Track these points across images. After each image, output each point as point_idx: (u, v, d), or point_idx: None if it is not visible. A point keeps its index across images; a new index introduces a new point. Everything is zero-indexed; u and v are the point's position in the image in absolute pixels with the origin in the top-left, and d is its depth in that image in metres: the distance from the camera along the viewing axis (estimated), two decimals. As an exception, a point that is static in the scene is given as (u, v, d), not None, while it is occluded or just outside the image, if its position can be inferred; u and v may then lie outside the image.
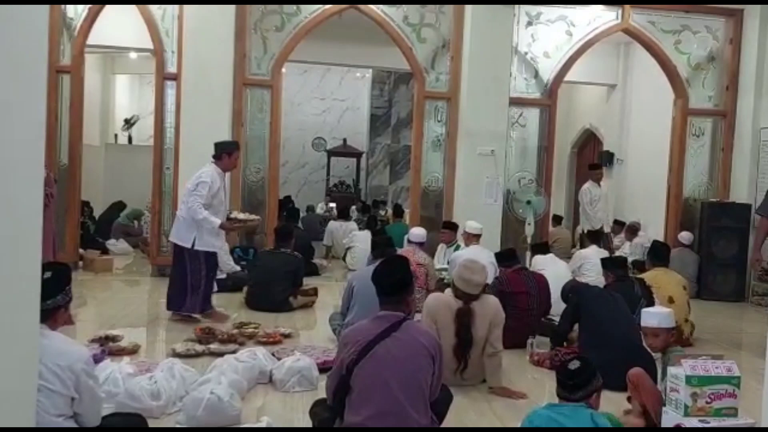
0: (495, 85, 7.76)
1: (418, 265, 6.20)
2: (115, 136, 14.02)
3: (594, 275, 7.23)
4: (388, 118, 18.17)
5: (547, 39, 8.19)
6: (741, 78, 7.97)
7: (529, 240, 7.49)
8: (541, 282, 5.04)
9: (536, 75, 8.26)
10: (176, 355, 4.33)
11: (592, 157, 12.29)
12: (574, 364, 2.78)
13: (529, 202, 7.33)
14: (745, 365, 3.49)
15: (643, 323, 3.44)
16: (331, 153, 17.40)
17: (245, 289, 6.26)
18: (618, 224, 10.44)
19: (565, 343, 4.49)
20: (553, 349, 4.46)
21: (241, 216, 5.87)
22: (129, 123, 13.81)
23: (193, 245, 5.30)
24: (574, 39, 8.15)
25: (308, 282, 6.83)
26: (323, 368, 4.08)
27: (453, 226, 7.27)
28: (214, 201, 5.30)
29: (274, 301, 5.95)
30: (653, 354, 3.46)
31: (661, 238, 8.55)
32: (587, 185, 8.40)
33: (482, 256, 6.20)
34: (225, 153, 5.50)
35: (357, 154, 17.49)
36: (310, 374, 3.84)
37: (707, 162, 8.25)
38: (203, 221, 5.22)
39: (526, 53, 8.20)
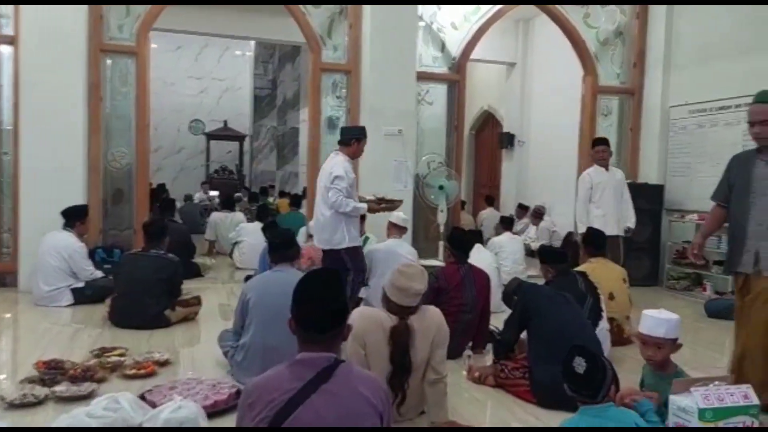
0: (400, 58, 6.95)
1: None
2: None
3: (510, 264, 6.71)
4: (273, 98, 17.05)
5: (454, 8, 7.50)
6: (648, 54, 7.69)
7: (441, 228, 6.79)
8: (479, 279, 4.30)
9: (443, 48, 7.55)
10: (9, 405, 3.17)
11: (492, 140, 11.90)
12: (580, 366, 2.27)
13: (441, 188, 6.62)
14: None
15: (645, 331, 2.79)
16: (211, 136, 16.07)
17: (108, 301, 5.04)
18: (522, 208, 10.08)
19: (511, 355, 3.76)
20: (496, 362, 3.72)
21: (387, 196, 5.58)
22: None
23: (341, 244, 4.85)
24: (483, 9, 7.50)
25: (188, 287, 5.73)
26: (213, 412, 3.11)
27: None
28: (352, 192, 4.93)
29: (146, 316, 4.80)
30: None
31: (571, 222, 8.18)
32: (589, 170, 6.31)
33: (402, 251, 5.43)
34: (354, 139, 5.03)
35: (240, 138, 16.29)
36: (195, 425, 2.84)
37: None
38: (352, 211, 4.86)
39: (431, 23, 7.46)
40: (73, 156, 6.24)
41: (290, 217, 8.87)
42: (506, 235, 7.07)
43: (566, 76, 8.96)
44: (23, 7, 6.08)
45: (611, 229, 6.05)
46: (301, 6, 6.99)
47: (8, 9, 6.22)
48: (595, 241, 4.90)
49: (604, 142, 6.38)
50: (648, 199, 7.21)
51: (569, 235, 8.16)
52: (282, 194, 13.26)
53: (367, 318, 2.88)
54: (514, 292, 3.73)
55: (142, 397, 3.16)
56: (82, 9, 6.27)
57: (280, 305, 3.49)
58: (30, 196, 6.09)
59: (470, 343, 4.25)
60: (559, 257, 4.19)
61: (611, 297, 4.42)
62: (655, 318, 2.82)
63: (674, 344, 2.77)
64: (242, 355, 3.59)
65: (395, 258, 5.40)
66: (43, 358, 3.89)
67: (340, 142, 5.08)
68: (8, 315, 5.58)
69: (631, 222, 6.22)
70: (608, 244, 5.91)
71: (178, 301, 5.07)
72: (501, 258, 6.48)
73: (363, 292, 5.61)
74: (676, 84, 7.35)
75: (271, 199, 12.74)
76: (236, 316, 3.74)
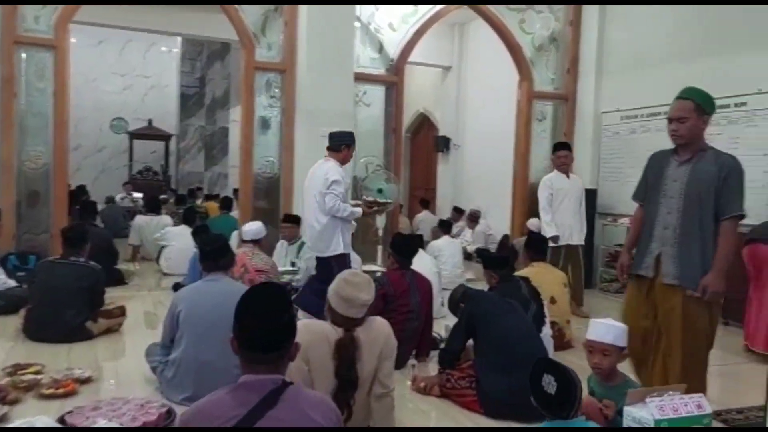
0: (337, 58, 6.78)
1: (258, 272, 5.12)
2: None
3: (449, 268, 6.67)
4: (201, 97, 16.52)
5: (392, 9, 7.40)
6: (581, 61, 7.82)
7: (380, 232, 6.66)
8: (423, 285, 4.18)
9: (381, 49, 7.44)
10: None
11: (427, 143, 11.90)
12: (551, 386, 2.16)
13: (380, 191, 6.47)
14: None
15: (592, 337, 2.74)
16: (134, 135, 15.40)
17: (23, 312, 4.64)
18: (457, 211, 10.10)
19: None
20: (442, 371, 3.61)
21: (379, 199, 5.69)
22: None
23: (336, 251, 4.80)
24: (421, 11, 7.45)
25: (112, 295, 5.37)
26: (141, 435, 2.86)
27: (296, 220, 6.21)
28: (346, 198, 4.96)
29: (65, 329, 4.43)
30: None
31: (507, 225, 8.24)
32: (550, 175, 6.20)
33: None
34: (345, 145, 4.98)
35: (165, 137, 15.69)
36: (122, 452, 2.59)
37: (549, 146, 8.02)
38: (349, 216, 4.87)
39: (369, 24, 7.33)
40: (-18, 155, 5.76)
41: (221, 220, 8.54)
42: (445, 239, 7.03)
43: (501, 80, 9.04)
44: None
45: (570, 237, 5.96)
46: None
47: None
48: (537, 245, 4.89)
49: (565, 146, 6.18)
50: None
51: (505, 238, 8.21)
52: (209, 197, 12.83)
53: (311, 331, 2.71)
54: (461, 299, 3.63)
55: (62, 420, 2.88)
56: (-6, -3, 5.80)
57: (214, 317, 3.30)
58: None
59: (414, 351, 4.13)
60: (502, 262, 4.14)
61: (553, 301, 4.41)
62: (604, 324, 2.78)
63: (620, 352, 2.74)
64: (173, 371, 3.34)
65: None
66: (-55, 378, 3.51)
67: (329, 148, 5.00)
68: None
69: (583, 230, 6.17)
70: (568, 254, 5.97)
71: (100, 312, 4.72)
72: (440, 262, 6.42)
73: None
74: (609, 90, 7.51)
75: (198, 202, 12.30)
76: (165, 329, 3.48)
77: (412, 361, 3.83)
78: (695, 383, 2.95)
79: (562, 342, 4.48)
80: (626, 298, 3.42)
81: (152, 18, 9.15)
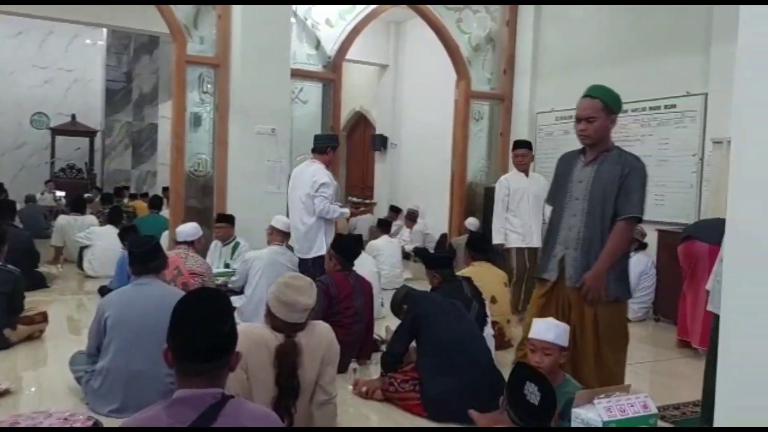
0: (274, 53, 6.59)
1: (191, 274, 4.91)
2: None
3: (388, 268, 6.62)
4: (128, 92, 15.89)
5: (329, 5, 7.29)
6: (517, 61, 7.92)
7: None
8: (365, 287, 4.09)
9: (318, 45, 7.31)
10: None
11: (364, 141, 11.83)
12: (534, 395, 2.18)
13: (317, 190, 6.35)
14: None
15: (534, 335, 2.72)
16: (57, 131, 14.64)
17: (-70, 320, 4.27)
18: (394, 210, 10.06)
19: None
20: (384, 375, 3.53)
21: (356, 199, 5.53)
22: None
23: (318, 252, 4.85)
24: (358, 7, 7.36)
25: (33, 300, 5.05)
26: (66, 449, 2.65)
27: (230, 219, 6.00)
28: (334, 199, 5.00)
29: (-21, 338, 4.12)
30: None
31: (445, 224, 8.27)
32: (507, 175, 5.92)
33: (284, 260, 5.11)
34: (330, 147, 5.05)
35: (90, 133, 15.02)
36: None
37: (486, 146, 8.11)
38: (339, 217, 5.00)
39: (306, 19, 7.19)
40: None
41: (150, 220, 8.20)
42: (384, 239, 6.98)
43: (438, 80, 9.08)
44: None
45: (531, 240, 5.61)
46: (164, -9, 6.44)
47: None
48: (478, 244, 4.89)
49: (525, 145, 5.84)
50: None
51: (443, 237, 8.23)
52: (135, 196, 12.34)
53: (250, 337, 2.57)
54: (403, 300, 3.56)
55: (-26, 440, 2.63)
56: None
57: (144, 324, 3.11)
58: None
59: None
60: (445, 263, 4.10)
61: (493, 300, 4.41)
62: (545, 323, 2.78)
63: (562, 352, 2.73)
64: (100, 381, 3.13)
65: (276, 268, 5.09)
66: None
67: (314, 150, 5.06)
68: None
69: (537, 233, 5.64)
70: (531, 258, 5.51)
71: (20, 318, 4.40)
72: (379, 262, 6.35)
73: (237, 302, 5.24)
74: (544, 91, 7.63)
75: (126, 201, 11.80)
76: (91, 336, 3.26)
77: (353, 365, 3.74)
78: (617, 383, 2.94)
79: (502, 341, 4.49)
80: (531, 302, 3.33)
81: (75, 8, 8.69)
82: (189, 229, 5.22)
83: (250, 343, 2.55)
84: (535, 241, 5.57)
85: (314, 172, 4.86)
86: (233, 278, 5.32)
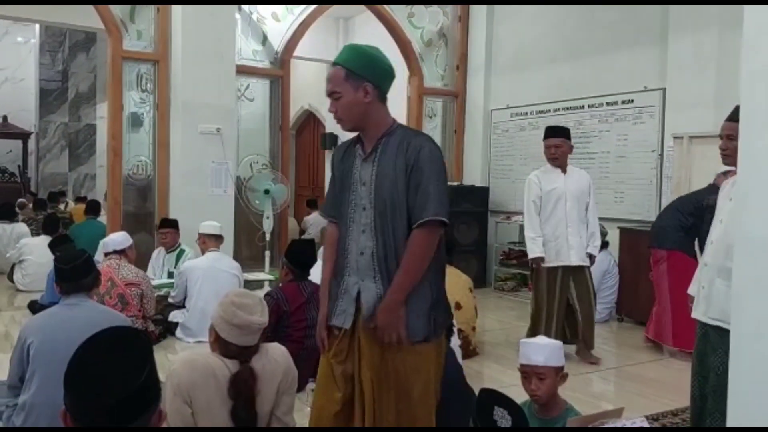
0: (217, 49, 6.23)
1: (127, 285, 4.55)
2: None
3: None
4: (63, 92, 15.15)
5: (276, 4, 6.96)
6: (470, 58, 7.75)
7: (267, 236, 6.20)
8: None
9: (264, 41, 6.97)
10: None
11: (313, 140, 11.51)
12: (504, 419, 1.98)
13: (267, 192, 6.02)
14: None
15: (524, 361, 2.46)
16: (-13, 134, 13.81)
17: None
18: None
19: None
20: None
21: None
22: None
23: None
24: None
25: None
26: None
27: (175, 225, 5.62)
28: None
29: None
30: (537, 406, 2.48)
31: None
32: (538, 171, 4.52)
33: (223, 266, 4.80)
34: None
35: (23, 135, 14.27)
36: None
37: (440, 143, 7.91)
38: None
39: (251, 14, 6.84)
40: None
41: (87, 226, 7.70)
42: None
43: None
44: None
45: (567, 256, 4.31)
46: (96, -17, 5.99)
47: None
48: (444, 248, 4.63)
49: (559, 132, 4.43)
50: (474, 202, 7.25)
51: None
52: (81, 199, 11.69)
53: (194, 368, 2.26)
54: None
55: None
56: None
57: (72, 351, 2.76)
58: None
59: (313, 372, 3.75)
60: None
61: (458, 307, 4.17)
62: (533, 344, 2.50)
63: (559, 374, 2.46)
64: (23, 417, 2.74)
65: (216, 275, 4.79)
66: None
67: None
68: None
69: (593, 245, 4.40)
70: (566, 279, 4.34)
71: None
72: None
73: (179, 316, 4.89)
74: (498, 87, 7.48)
75: (62, 206, 11.15)
76: (12, 367, 2.86)
77: (311, 385, 3.44)
78: None
79: (467, 350, 4.28)
80: (320, 368, 2.31)
81: (4, 5, 8.08)
82: (118, 238, 4.84)
83: (196, 375, 2.24)
84: (574, 258, 4.32)
85: None
86: (173, 293, 4.97)
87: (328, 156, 10.89)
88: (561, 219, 4.33)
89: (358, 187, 2.20)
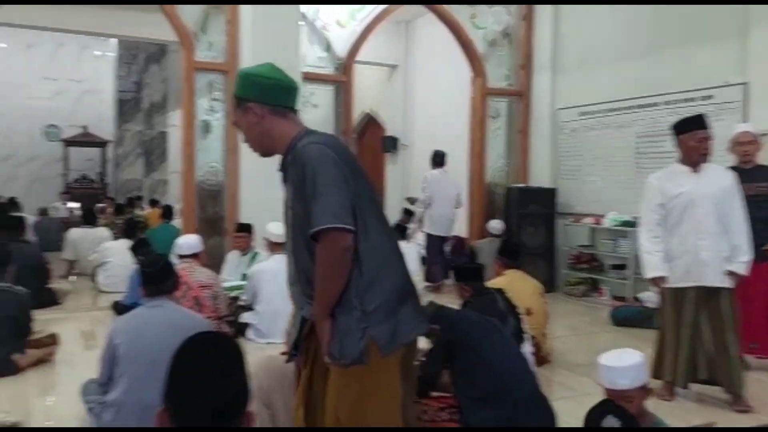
0: (283, 57, 6.28)
1: (201, 287, 4.70)
2: None
3: (408, 276, 6.36)
4: (138, 101, 15.87)
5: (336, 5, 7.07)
6: (536, 57, 7.65)
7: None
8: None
9: (328, 48, 7.10)
10: None
11: (374, 143, 11.60)
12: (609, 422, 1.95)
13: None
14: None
15: (607, 386, 2.38)
16: (69, 142, 14.63)
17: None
18: (407, 213, 9.80)
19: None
20: (416, 401, 3.25)
21: None
22: None
23: None
24: (369, 6, 7.14)
25: (44, 318, 4.86)
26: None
27: (249, 229, 5.80)
28: None
29: (-12, 365, 3.94)
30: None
31: (463, 228, 8.01)
32: (660, 173, 3.81)
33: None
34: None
35: (102, 144, 15.00)
36: None
37: (504, 145, 7.85)
38: None
39: (315, 21, 6.97)
40: None
41: (162, 230, 8.00)
42: (401, 244, 6.71)
43: (450, 78, 8.84)
44: None
45: (700, 274, 3.54)
46: (171, -2, 6.25)
47: None
48: (511, 251, 4.59)
49: (700, 123, 3.64)
50: (541, 204, 7.16)
51: (459, 241, 7.95)
52: (153, 203, 12.19)
53: (270, 371, 2.34)
54: (434, 319, 3.27)
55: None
56: None
57: (159, 352, 2.85)
58: None
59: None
60: (476, 274, 3.83)
61: (528, 312, 4.11)
62: (615, 368, 2.39)
63: (644, 391, 2.39)
64: (112, 414, 2.91)
65: (284, 278, 4.88)
66: None
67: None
68: None
69: (738, 261, 3.53)
70: (701, 302, 3.56)
71: (28, 342, 4.21)
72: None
73: (250, 318, 5.04)
74: (565, 86, 7.35)
75: (138, 211, 11.64)
76: (102, 366, 3.03)
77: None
78: None
79: (538, 357, 4.17)
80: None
81: (85, 19, 8.55)
82: (192, 242, 5.02)
83: (273, 379, 2.33)
84: (710, 277, 3.53)
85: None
86: (243, 296, 5.13)
87: (389, 159, 10.99)
88: (691, 229, 3.54)
89: (288, 212, 2.08)
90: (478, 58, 7.55)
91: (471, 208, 7.73)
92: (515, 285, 4.13)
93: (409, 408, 2.11)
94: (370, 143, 11.90)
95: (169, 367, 1.37)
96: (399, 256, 2.07)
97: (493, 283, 4.16)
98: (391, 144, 10.75)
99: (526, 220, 6.97)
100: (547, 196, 7.23)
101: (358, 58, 7.50)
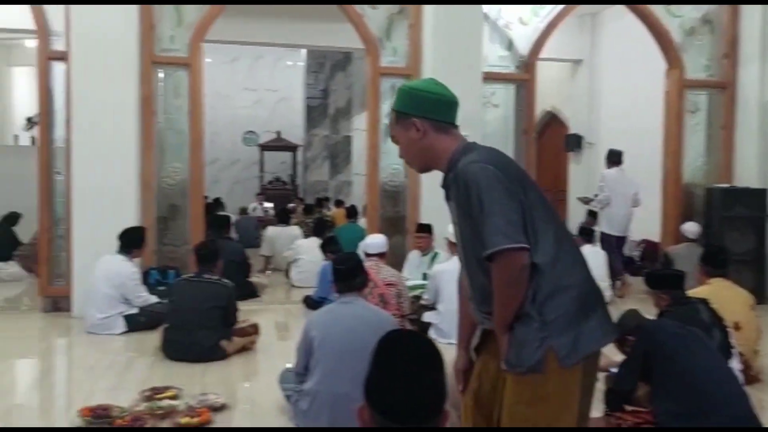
0: (465, 58, 6.40)
1: (387, 285, 4.87)
2: (15, 137, 12.06)
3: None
4: (325, 107, 16.82)
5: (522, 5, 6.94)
6: (742, 45, 6.91)
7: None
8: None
9: (510, 46, 6.99)
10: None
11: (555, 142, 11.23)
12: None
13: (514, 198, 6.02)
14: None
15: None
16: (265, 147, 15.96)
17: (162, 330, 4.66)
18: (592, 215, 9.34)
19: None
20: (609, 414, 3.10)
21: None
22: (31, 122, 11.85)
23: None
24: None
25: (246, 308, 5.33)
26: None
27: (430, 230, 5.92)
28: None
29: (200, 349, 4.39)
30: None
31: (656, 231, 7.47)
32: None
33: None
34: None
35: (292, 148, 16.13)
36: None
37: (704, 142, 7.18)
38: None
39: (497, 20, 6.91)
40: (125, 173, 5.92)
41: (348, 229, 8.43)
42: (587, 248, 6.41)
43: (641, 71, 8.28)
44: (74, 22, 5.79)
45: None
46: (357, 7, 6.54)
47: (60, 26, 5.99)
48: (717, 260, 4.17)
49: None
50: (748, 206, 6.46)
51: (650, 246, 7.42)
52: (339, 204, 12.88)
53: (449, 374, 2.34)
54: (633, 332, 3.05)
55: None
56: (134, 20, 5.94)
57: (350, 344, 3.04)
58: (82, 216, 5.80)
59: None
60: (675, 281, 3.54)
61: (737, 327, 3.70)
62: None
63: None
64: (307, 402, 3.12)
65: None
66: (90, 400, 3.54)
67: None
68: (62, 341, 5.35)
69: None
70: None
71: (234, 330, 4.65)
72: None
73: (432, 318, 5.12)
74: (777, 76, 6.56)
75: (326, 211, 12.37)
76: (298, 356, 3.26)
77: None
78: None
79: (748, 376, 3.75)
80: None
81: (280, 32, 9.28)
82: (378, 242, 5.21)
83: (451, 380, 2.32)
84: None
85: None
86: (425, 295, 5.21)
87: (572, 158, 10.56)
88: None
89: (456, 228, 2.10)
90: (674, 49, 6.98)
91: (665, 209, 7.17)
92: (722, 295, 3.74)
93: (584, 420, 2.01)
94: (551, 142, 11.53)
95: (371, 363, 1.42)
96: (580, 265, 1.97)
97: (695, 292, 3.80)
98: (574, 142, 10.34)
99: (730, 223, 6.32)
100: (756, 197, 6.50)
101: (541, 55, 7.30)
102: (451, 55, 6.37)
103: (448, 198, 2.04)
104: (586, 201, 8.29)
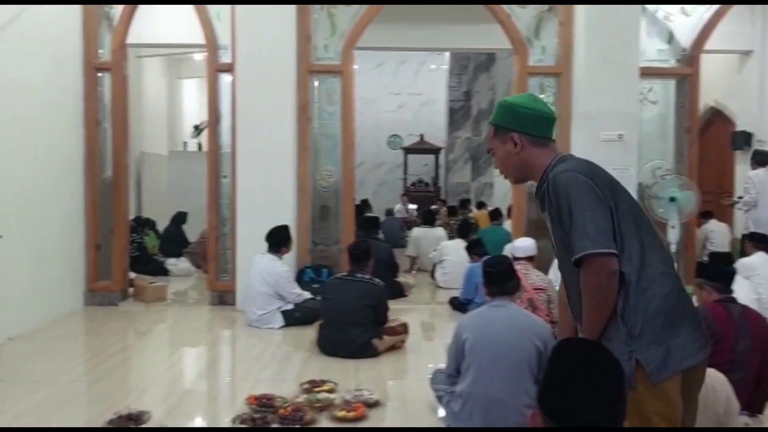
0: (620, 54, 6.12)
1: (536, 290, 4.76)
2: (184, 143, 13.24)
3: (766, 291, 5.54)
4: (467, 110, 16.81)
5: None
6: None
7: (673, 247, 5.81)
8: (755, 321, 3.35)
9: (671, 39, 6.58)
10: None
11: (719, 140, 10.35)
12: None
13: (673, 199, 5.67)
14: None
15: None
16: (408, 150, 16.25)
17: (317, 325, 4.91)
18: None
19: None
20: None
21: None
22: (198, 129, 12.97)
23: None
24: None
25: (393, 307, 5.44)
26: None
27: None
28: None
29: (353, 346, 4.58)
30: None
31: None
32: None
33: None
34: None
35: (435, 150, 16.31)
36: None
37: None
38: None
39: (656, 11, 6.53)
40: (284, 176, 6.29)
41: (492, 232, 8.35)
42: (759, 255, 5.84)
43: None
44: (239, 36, 6.25)
45: None
46: (505, 6, 6.47)
47: (227, 40, 6.50)
48: None
49: None
50: None
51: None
52: (480, 205, 12.80)
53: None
54: None
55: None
56: (291, 32, 6.30)
57: (500, 348, 3.03)
58: (245, 216, 6.24)
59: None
60: None
61: None
62: None
63: None
64: (460, 404, 3.14)
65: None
66: (255, 389, 3.81)
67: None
68: (228, 333, 5.77)
69: None
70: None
71: (385, 329, 4.79)
72: (755, 284, 5.35)
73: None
74: None
75: (468, 213, 12.33)
76: (450, 358, 3.29)
77: (744, 418, 3.10)
78: None
79: None
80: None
81: (424, 37, 9.40)
82: (527, 245, 5.11)
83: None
84: None
85: None
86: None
87: (740, 157, 9.69)
88: None
89: (553, 236, 2.09)
90: None
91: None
92: None
93: None
94: (715, 140, 10.64)
95: (546, 369, 1.42)
96: (667, 276, 1.92)
97: None
98: (742, 140, 9.45)
99: None
100: None
101: (705, 47, 6.80)
102: (606, 51, 6.12)
103: (542, 209, 2.10)
104: (732, 203, 7.65)
